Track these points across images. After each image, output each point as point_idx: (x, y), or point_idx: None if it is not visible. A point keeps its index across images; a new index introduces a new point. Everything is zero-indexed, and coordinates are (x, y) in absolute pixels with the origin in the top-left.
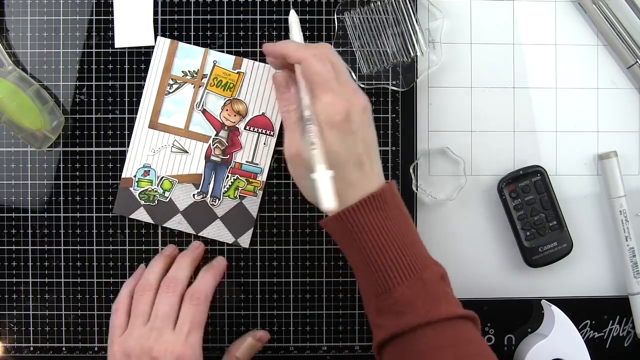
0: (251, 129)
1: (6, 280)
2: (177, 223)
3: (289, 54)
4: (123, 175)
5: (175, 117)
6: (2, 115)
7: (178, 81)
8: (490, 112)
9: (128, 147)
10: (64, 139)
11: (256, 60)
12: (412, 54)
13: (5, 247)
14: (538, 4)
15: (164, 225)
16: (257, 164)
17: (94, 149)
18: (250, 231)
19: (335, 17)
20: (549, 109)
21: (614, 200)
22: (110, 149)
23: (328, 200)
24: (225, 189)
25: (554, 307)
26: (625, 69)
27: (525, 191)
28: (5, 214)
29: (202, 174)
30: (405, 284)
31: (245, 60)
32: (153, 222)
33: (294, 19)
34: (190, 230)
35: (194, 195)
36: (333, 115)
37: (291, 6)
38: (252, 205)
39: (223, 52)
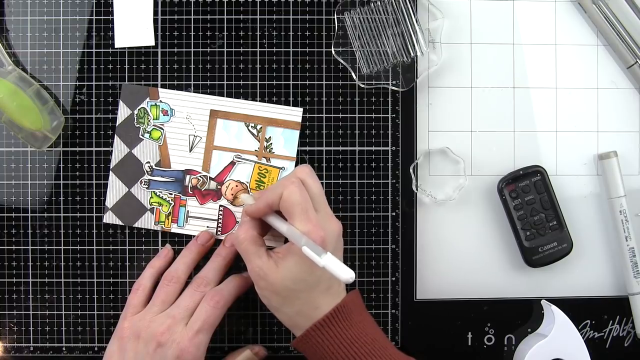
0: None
1: (6, 280)
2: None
3: (272, 199)
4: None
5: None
6: (2, 115)
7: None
8: (490, 112)
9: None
10: (64, 139)
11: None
12: (412, 54)
13: (5, 247)
14: (538, 4)
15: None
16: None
17: (94, 149)
18: None
19: (335, 17)
20: (549, 109)
21: (614, 200)
22: (110, 149)
23: (346, 272)
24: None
25: (554, 307)
26: (625, 69)
27: (525, 191)
28: (5, 214)
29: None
30: None
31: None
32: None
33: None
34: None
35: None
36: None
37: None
38: None
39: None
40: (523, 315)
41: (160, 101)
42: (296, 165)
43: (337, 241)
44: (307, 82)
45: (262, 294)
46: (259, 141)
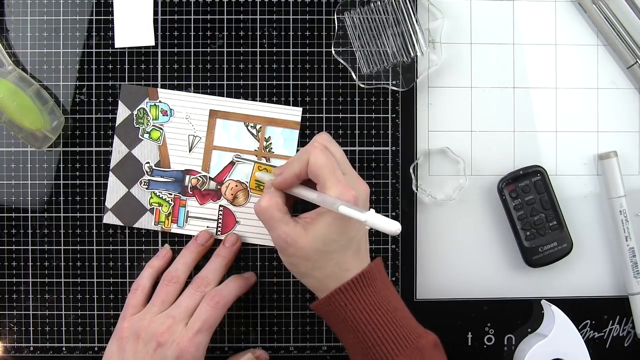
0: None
1: (6, 280)
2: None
3: (299, 168)
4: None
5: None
6: (2, 115)
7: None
8: (490, 112)
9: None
10: (64, 139)
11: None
12: (412, 54)
13: (5, 247)
14: (538, 4)
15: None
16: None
17: (94, 149)
18: None
19: (335, 17)
20: (549, 109)
21: (614, 200)
22: (110, 149)
23: (392, 224)
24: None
25: (554, 307)
26: (625, 69)
27: (525, 191)
28: (5, 214)
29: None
30: (403, 354)
31: None
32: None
33: (260, 175)
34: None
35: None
36: None
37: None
38: None
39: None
40: (523, 315)
41: (160, 101)
42: None
43: (366, 202)
44: (307, 82)
45: (290, 261)
46: (259, 141)
